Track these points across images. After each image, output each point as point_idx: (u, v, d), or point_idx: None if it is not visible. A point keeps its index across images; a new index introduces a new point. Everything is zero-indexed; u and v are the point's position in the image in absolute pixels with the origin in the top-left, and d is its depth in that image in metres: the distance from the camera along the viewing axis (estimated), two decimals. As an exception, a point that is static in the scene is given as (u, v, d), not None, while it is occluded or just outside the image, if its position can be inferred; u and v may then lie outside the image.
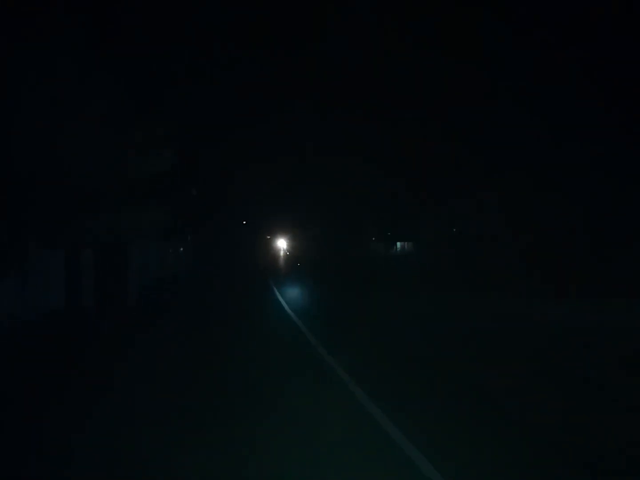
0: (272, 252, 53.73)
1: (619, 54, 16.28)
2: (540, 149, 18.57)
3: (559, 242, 17.69)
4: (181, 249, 28.52)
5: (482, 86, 18.84)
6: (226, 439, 4.39)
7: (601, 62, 16.41)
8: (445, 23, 18.16)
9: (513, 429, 4.73)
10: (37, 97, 10.14)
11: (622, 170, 16.52)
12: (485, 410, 5.28)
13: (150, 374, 6.87)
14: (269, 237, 54.01)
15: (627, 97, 16.33)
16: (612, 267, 15.38)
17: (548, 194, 18.33)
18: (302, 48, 19.18)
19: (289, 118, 25.59)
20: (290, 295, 17.04)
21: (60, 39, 9.99)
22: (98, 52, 10.98)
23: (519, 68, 17.93)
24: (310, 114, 25.45)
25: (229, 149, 25.42)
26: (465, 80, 18.84)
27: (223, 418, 4.93)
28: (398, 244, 37.05)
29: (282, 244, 55.47)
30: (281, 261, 45.95)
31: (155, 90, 13.93)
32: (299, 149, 30.18)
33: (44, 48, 9.88)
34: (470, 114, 19.81)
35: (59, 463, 4.04)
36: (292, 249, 52.01)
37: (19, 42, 9.35)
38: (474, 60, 18.07)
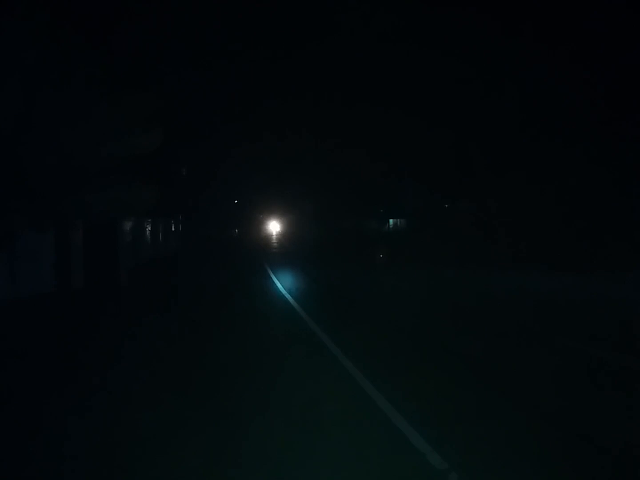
0: (265, 231, 53.58)
1: (618, 53, 16.06)
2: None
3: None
4: (172, 228, 28.19)
5: (481, 85, 18.79)
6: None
7: (601, 62, 16.21)
8: (445, 23, 18.07)
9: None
10: (17, 73, 9.71)
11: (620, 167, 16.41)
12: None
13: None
14: (261, 215, 53.86)
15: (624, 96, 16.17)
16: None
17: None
18: (302, 48, 19.14)
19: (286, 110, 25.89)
20: (287, 279, 16.53)
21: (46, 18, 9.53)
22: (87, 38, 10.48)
23: (518, 68, 17.78)
24: (308, 112, 25.74)
25: (222, 130, 25.21)
26: (464, 80, 18.81)
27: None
28: (391, 221, 36.98)
29: (274, 225, 55.40)
30: (274, 239, 45.70)
31: (146, 69, 13.45)
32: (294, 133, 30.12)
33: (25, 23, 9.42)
34: (470, 113, 19.78)
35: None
36: (284, 228, 51.83)
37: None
38: (473, 61, 18.02)
